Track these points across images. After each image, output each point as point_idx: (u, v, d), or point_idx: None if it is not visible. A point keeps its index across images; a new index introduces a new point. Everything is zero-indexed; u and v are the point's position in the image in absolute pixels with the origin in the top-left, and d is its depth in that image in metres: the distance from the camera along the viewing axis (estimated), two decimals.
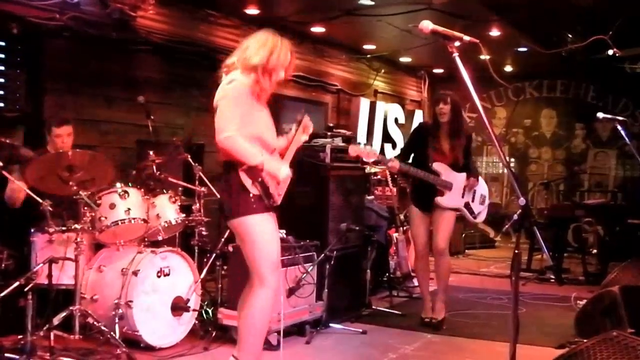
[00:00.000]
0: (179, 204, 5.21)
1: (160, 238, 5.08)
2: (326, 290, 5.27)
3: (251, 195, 3.58)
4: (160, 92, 7.05)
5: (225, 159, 3.64)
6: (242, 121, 3.51)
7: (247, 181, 3.58)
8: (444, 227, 5.55)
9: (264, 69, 3.57)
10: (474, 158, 5.89)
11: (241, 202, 3.58)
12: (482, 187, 5.79)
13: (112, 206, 4.76)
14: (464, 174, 5.55)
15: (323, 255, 5.25)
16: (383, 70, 10.98)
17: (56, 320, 4.27)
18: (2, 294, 4.11)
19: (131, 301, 4.55)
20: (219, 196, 3.96)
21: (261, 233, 3.62)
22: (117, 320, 4.52)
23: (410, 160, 5.61)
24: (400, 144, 10.99)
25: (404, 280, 7.12)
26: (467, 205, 5.62)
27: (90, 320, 4.44)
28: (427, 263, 5.76)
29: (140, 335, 4.57)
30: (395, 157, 5.66)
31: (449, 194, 5.49)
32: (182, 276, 4.96)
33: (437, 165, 5.46)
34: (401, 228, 7.16)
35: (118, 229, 4.81)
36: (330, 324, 5.37)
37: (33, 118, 5.77)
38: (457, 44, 2.80)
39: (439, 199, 5.48)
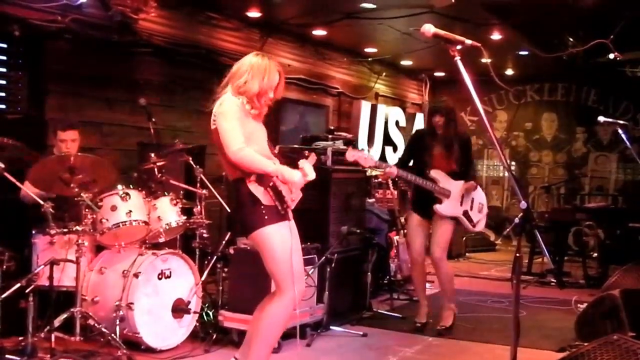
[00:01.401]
0: (180, 206, 5.21)
1: (161, 240, 5.08)
2: (327, 292, 5.27)
3: (262, 206, 3.59)
4: (162, 95, 7.06)
5: (234, 176, 3.67)
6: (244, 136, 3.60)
7: (257, 190, 3.60)
8: (441, 237, 5.50)
9: (258, 95, 3.70)
10: (475, 162, 5.82)
11: (253, 215, 3.61)
12: (479, 196, 5.70)
13: (114, 208, 4.75)
14: (462, 182, 5.49)
15: (324, 258, 5.25)
16: (384, 74, 10.99)
17: (57, 322, 4.28)
18: (3, 296, 4.11)
19: (132, 303, 4.55)
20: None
21: (277, 243, 3.62)
22: (117, 322, 4.52)
23: (410, 166, 5.58)
24: (401, 147, 10.98)
25: (405, 283, 7.13)
26: (465, 213, 5.54)
27: (91, 322, 4.45)
28: (423, 269, 5.71)
29: (141, 337, 4.57)
30: (395, 163, 5.62)
31: (447, 201, 5.43)
32: (183, 278, 4.96)
33: (434, 173, 5.41)
34: (402, 231, 7.16)
35: (119, 231, 4.81)
36: (331, 327, 5.38)
37: (35, 120, 5.78)
38: (458, 47, 2.81)
39: (438, 207, 5.43)
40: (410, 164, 5.64)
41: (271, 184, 3.60)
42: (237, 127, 3.56)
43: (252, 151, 3.57)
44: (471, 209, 5.61)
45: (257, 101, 3.70)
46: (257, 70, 3.69)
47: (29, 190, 4.41)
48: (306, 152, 3.89)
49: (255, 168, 3.57)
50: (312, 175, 3.75)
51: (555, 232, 8.20)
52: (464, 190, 5.48)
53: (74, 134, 5.07)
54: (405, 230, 7.16)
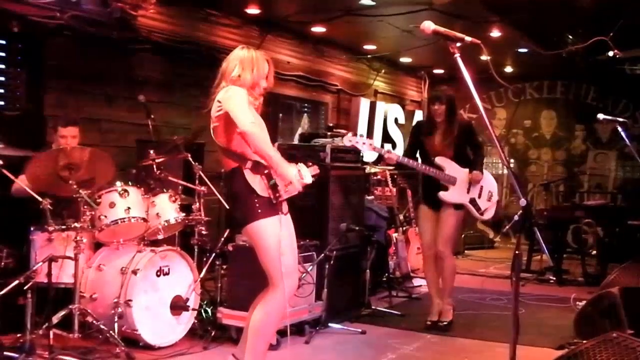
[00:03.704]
0: (179, 203, 5.21)
1: (160, 237, 5.08)
2: (325, 290, 5.27)
3: (256, 198, 3.58)
4: (161, 92, 7.05)
5: (231, 166, 3.66)
6: None
7: (253, 179, 3.60)
8: (445, 229, 5.47)
9: (252, 86, 3.74)
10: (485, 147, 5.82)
11: (247, 207, 3.60)
12: (490, 184, 5.68)
13: (112, 205, 4.75)
14: (468, 169, 5.47)
15: (323, 255, 5.25)
16: (383, 71, 10.98)
17: (55, 319, 4.28)
18: (2, 293, 4.10)
19: (130, 300, 4.55)
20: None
21: (270, 237, 3.60)
22: (116, 319, 4.52)
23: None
24: (400, 144, 10.99)
25: (404, 280, 7.13)
26: (472, 201, 5.51)
27: (89, 319, 4.45)
28: (434, 264, 5.63)
29: (140, 334, 4.57)
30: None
31: (453, 188, 5.41)
32: (181, 275, 4.96)
33: (440, 160, 5.39)
34: (401, 228, 7.16)
35: (118, 227, 4.81)
36: (330, 324, 5.37)
37: (33, 117, 5.77)
38: (458, 44, 2.80)
39: (443, 194, 5.40)
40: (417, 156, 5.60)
41: (266, 171, 3.60)
42: (247, 108, 3.58)
43: (261, 133, 3.60)
44: (479, 196, 5.57)
45: (253, 91, 3.73)
46: (247, 63, 3.73)
47: (23, 184, 4.39)
48: (309, 163, 3.87)
49: (261, 149, 3.53)
50: (308, 179, 3.72)
51: (554, 230, 8.19)
52: (470, 179, 5.45)
53: (75, 130, 5.06)
54: (405, 227, 7.19)
